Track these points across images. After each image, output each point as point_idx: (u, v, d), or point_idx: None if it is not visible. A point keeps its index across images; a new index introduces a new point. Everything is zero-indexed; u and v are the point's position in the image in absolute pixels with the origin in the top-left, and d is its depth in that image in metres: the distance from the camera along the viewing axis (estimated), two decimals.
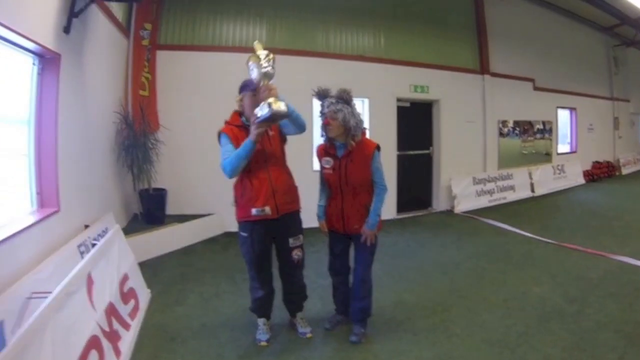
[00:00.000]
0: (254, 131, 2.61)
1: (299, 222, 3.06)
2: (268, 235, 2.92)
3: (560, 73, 10.32)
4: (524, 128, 9.59)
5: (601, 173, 11.52)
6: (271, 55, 2.56)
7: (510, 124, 9.24)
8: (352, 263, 3.19)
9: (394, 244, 5.67)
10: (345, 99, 2.90)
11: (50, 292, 2.68)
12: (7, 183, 3.07)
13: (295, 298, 3.20)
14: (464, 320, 3.38)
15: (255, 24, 6.57)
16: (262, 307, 3.11)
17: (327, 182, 3.06)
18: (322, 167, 3.07)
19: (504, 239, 5.86)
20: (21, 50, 3.04)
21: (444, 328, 3.25)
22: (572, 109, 11.21)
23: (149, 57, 5.70)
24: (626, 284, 4.02)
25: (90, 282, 2.65)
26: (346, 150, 2.94)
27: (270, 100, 2.52)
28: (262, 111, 2.55)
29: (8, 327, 2.15)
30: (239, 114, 2.88)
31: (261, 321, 3.15)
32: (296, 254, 3.00)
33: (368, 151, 2.95)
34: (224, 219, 6.11)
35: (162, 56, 5.90)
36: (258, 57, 2.53)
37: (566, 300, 3.71)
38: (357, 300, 3.08)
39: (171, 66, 5.99)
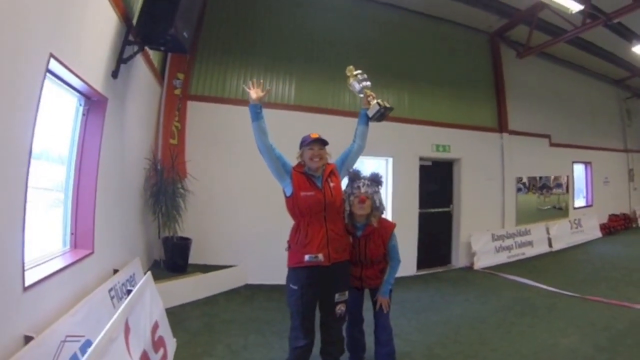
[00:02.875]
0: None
1: (347, 275, 3.12)
2: (317, 286, 2.92)
3: (575, 128, 10.47)
4: (541, 184, 9.68)
5: (618, 225, 11.36)
6: (364, 73, 3.21)
7: (527, 180, 9.30)
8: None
9: (417, 299, 5.56)
10: (378, 181, 3.18)
11: (83, 336, 2.55)
12: (39, 221, 2.89)
13: (333, 350, 3.14)
14: None
15: (285, 82, 6.67)
16: (300, 357, 3.01)
17: None
18: None
19: (527, 294, 5.78)
20: (71, 90, 3.07)
21: None
22: (587, 163, 11.30)
23: (179, 106, 5.77)
24: None
25: (127, 328, 2.52)
26: (366, 230, 3.12)
27: (378, 100, 3.11)
28: (374, 109, 3.10)
29: None
30: (301, 165, 3.05)
31: None
32: (339, 309, 3.05)
33: (387, 232, 3.17)
34: (246, 271, 5.99)
35: (192, 106, 5.96)
36: (356, 76, 3.21)
37: (596, 350, 3.71)
38: (381, 346, 3.23)
39: (201, 117, 6.01)
